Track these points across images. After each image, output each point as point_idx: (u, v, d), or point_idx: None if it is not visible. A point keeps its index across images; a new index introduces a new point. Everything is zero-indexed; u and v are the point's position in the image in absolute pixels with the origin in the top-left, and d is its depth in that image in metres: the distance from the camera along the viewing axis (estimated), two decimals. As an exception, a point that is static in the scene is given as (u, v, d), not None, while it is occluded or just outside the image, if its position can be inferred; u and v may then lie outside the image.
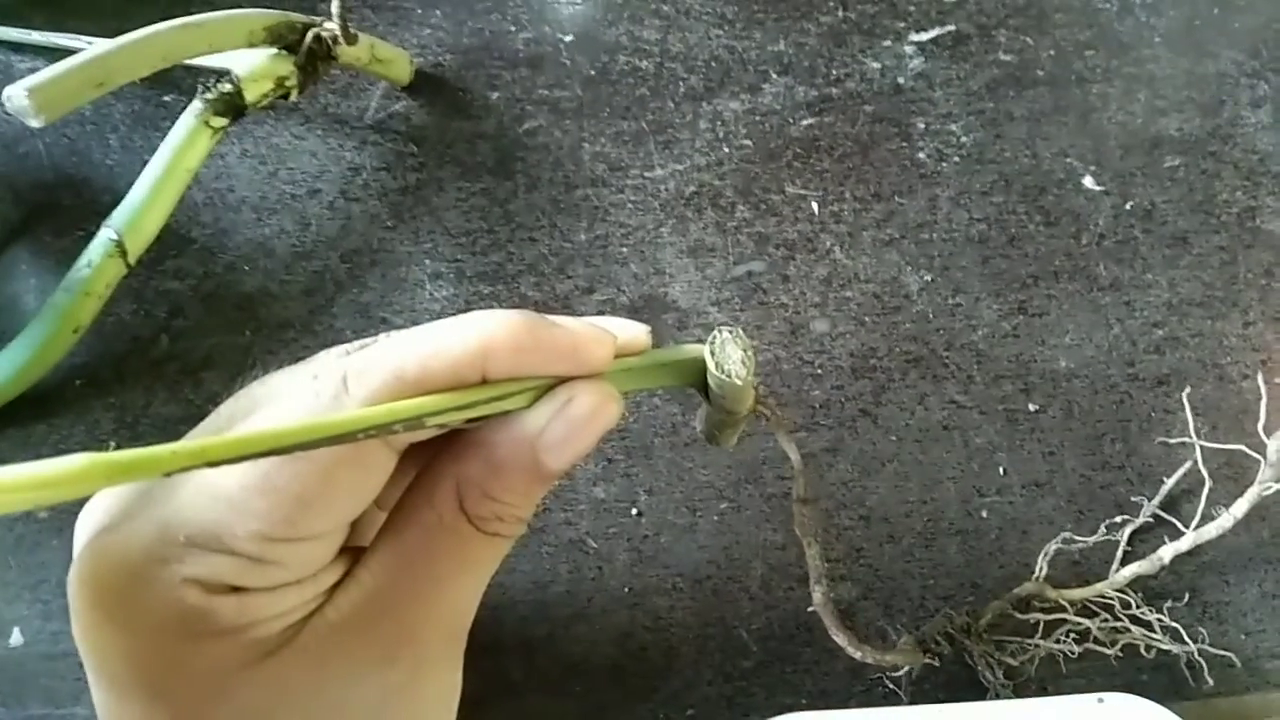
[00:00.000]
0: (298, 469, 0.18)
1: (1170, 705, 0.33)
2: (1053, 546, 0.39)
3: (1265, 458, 0.38)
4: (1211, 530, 0.38)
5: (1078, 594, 0.38)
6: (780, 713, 0.33)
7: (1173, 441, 0.41)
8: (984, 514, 0.40)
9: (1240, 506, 0.38)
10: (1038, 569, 0.39)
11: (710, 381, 0.22)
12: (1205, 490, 0.39)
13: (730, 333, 0.22)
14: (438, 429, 0.20)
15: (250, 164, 0.46)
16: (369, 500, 0.20)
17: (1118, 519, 0.40)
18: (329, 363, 0.20)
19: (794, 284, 0.44)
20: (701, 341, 0.22)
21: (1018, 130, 0.47)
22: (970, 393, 0.42)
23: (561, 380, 0.20)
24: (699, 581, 0.39)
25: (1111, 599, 0.38)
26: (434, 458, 0.21)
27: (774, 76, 0.48)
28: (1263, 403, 0.40)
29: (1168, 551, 0.38)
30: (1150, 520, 0.40)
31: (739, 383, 0.22)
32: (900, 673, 0.37)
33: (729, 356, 0.22)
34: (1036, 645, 0.37)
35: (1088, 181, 0.46)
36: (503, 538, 0.22)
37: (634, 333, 0.22)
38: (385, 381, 0.18)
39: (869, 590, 0.39)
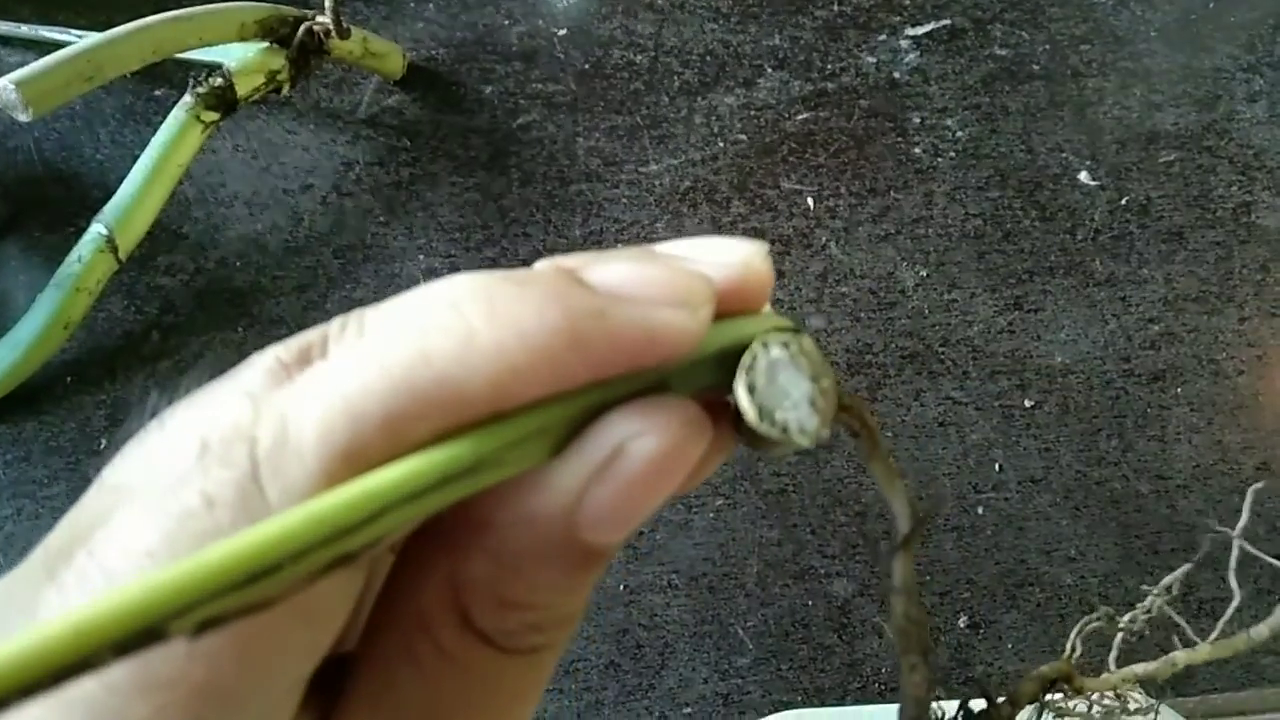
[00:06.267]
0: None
1: (1167, 700, 0.33)
2: (1089, 625, 0.37)
3: None
4: (1225, 648, 0.36)
5: (1096, 683, 0.37)
6: (777, 709, 0.33)
7: (1215, 529, 0.40)
8: (980, 510, 0.40)
9: (1261, 630, 0.36)
10: (1069, 647, 0.35)
11: (750, 424, 0.11)
12: (1234, 604, 0.36)
13: (785, 346, 0.11)
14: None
15: (242, 159, 0.46)
16: (325, 650, 0.12)
17: (1137, 608, 0.38)
18: (228, 426, 0.10)
19: (789, 279, 0.44)
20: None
21: (1013, 125, 0.47)
22: (966, 388, 0.42)
23: (600, 389, 0.11)
24: (695, 579, 0.39)
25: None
26: (415, 544, 0.13)
27: (769, 71, 0.48)
28: None
29: (1182, 656, 0.37)
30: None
31: (804, 442, 0.11)
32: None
33: (784, 392, 0.11)
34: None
35: (1083, 176, 0.46)
36: (547, 650, 0.13)
37: (744, 256, 0.12)
38: (325, 464, 0.10)
39: (865, 587, 0.39)
